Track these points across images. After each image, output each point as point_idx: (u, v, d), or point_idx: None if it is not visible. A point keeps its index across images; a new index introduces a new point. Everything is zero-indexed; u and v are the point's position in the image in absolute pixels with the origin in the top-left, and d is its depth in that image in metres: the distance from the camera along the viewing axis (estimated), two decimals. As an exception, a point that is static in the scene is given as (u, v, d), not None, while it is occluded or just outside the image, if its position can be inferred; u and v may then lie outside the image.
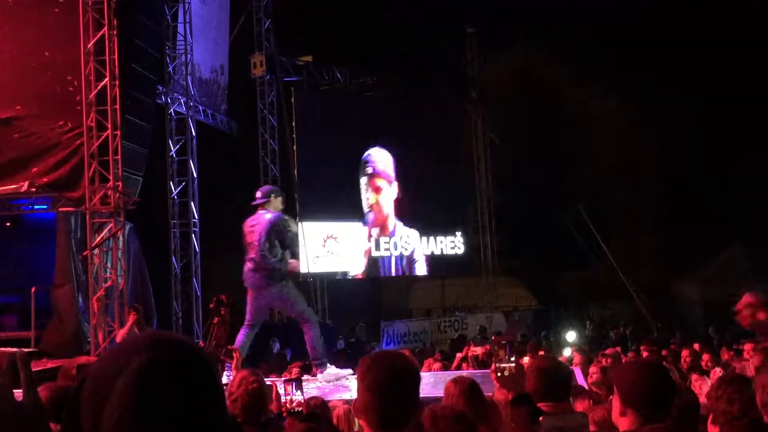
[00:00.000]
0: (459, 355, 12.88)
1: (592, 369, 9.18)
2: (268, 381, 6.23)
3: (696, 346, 11.52)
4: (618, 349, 13.09)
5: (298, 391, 5.36)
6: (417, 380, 3.00)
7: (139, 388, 1.40)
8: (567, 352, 13.49)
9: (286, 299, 10.14)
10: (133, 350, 1.45)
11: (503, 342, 4.07)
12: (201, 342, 15.12)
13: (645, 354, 10.71)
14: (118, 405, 1.39)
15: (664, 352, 10.57)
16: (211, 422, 1.45)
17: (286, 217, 10.16)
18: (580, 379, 8.63)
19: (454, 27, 25.57)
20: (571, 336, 16.76)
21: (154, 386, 1.40)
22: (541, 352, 13.64)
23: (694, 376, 9.47)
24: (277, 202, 10.10)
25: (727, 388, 3.14)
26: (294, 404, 5.34)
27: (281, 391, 6.49)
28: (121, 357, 1.45)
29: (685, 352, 10.27)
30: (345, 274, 21.55)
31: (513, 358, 4.05)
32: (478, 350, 12.78)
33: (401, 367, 2.97)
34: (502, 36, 25.82)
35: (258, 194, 10.16)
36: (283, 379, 6.37)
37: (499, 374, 4.04)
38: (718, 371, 9.35)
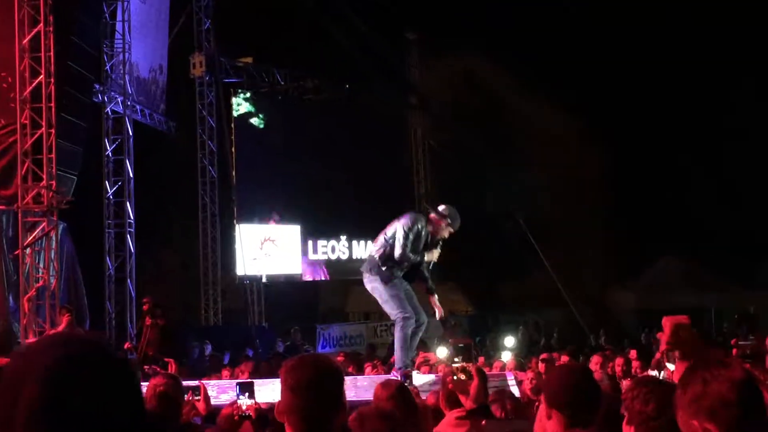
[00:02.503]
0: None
1: (530, 374, 9.24)
2: (194, 383, 6.19)
3: (633, 352, 11.64)
4: (555, 354, 13.26)
5: (246, 394, 5.32)
6: (340, 382, 3.01)
7: (50, 382, 1.41)
8: (506, 356, 13.55)
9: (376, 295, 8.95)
10: (44, 348, 1.47)
11: (459, 345, 4.04)
12: (128, 343, 14.97)
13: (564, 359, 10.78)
14: (29, 399, 1.40)
15: (596, 359, 10.66)
16: (121, 417, 1.45)
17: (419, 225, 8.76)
18: (510, 384, 8.70)
19: (394, 33, 25.63)
20: (509, 341, 16.85)
21: (65, 381, 1.41)
22: (481, 359, 13.75)
23: (626, 382, 9.56)
24: (438, 222, 8.80)
25: (642, 388, 3.19)
26: (244, 409, 5.31)
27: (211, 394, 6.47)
28: (33, 355, 1.46)
29: (619, 360, 10.37)
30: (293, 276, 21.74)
31: (458, 359, 4.02)
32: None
33: (324, 369, 2.98)
34: (442, 43, 25.93)
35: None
36: (236, 381, 6.33)
37: (454, 377, 4.01)
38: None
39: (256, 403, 5.39)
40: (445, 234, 8.85)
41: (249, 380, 7.26)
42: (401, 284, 8.88)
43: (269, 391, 8.44)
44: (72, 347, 1.46)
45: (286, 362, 3.08)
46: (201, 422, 5.74)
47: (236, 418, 5.27)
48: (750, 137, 25.73)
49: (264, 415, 5.57)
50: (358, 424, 3.79)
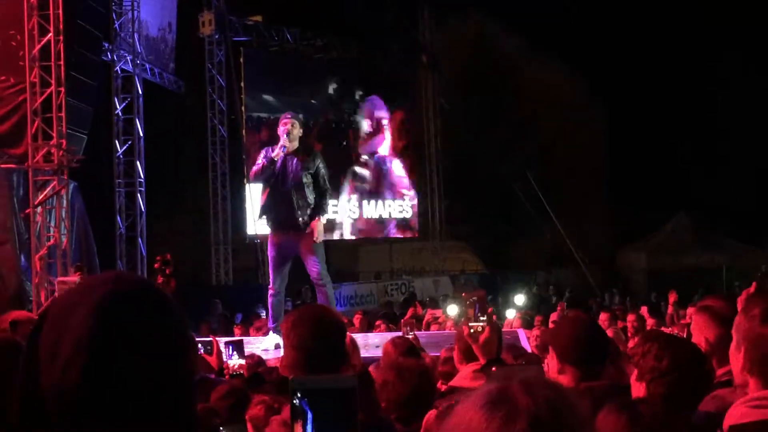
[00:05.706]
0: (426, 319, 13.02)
1: (536, 332, 9.30)
2: (207, 338, 6.20)
3: (644, 309, 11.63)
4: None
5: (235, 353, 5.32)
6: (342, 334, 3.00)
7: (100, 314, 1.43)
8: (511, 314, 13.60)
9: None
10: (96, 284, 1.49)
11: (473, 299, 3.85)
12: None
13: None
14: (77, 331, 1.41)
15: (603, 316, 10.65)
16: (170, 355, 1.47)
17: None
18: (523, 341, 8.73)
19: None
20: (520, 299, 16.85)
21: (114, 315, 1.44)
22: (489, 309, 13.80)
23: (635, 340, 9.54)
24: (279, 130, 9.19)
25: (653, 344, 3.15)
26: (235, 367, 5.31)
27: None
28: (85, 290, 1.49)
29: (631, 317, 10.36)
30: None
31: (484, 318, 3.89)
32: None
33: (326, 322, 2.96)
34: (454, 1, 25.74)
35: None
36: (224, 340, 6.36)
37: (472, 331, 3.91)
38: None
39: (247, 361, 5.40)
40: (291, 129, 8.97)
41: (239, 338, 7.31)
42: (279, 248, 9.18)
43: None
44: (123, 284, 1.49)
45: (286, 317, 3.07)
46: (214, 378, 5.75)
47: (227, 377, 5.27)
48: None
49: (257, 373, 5.57)
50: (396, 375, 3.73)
